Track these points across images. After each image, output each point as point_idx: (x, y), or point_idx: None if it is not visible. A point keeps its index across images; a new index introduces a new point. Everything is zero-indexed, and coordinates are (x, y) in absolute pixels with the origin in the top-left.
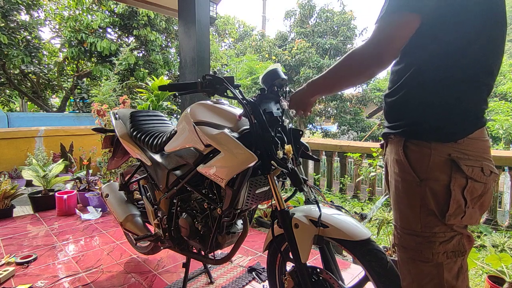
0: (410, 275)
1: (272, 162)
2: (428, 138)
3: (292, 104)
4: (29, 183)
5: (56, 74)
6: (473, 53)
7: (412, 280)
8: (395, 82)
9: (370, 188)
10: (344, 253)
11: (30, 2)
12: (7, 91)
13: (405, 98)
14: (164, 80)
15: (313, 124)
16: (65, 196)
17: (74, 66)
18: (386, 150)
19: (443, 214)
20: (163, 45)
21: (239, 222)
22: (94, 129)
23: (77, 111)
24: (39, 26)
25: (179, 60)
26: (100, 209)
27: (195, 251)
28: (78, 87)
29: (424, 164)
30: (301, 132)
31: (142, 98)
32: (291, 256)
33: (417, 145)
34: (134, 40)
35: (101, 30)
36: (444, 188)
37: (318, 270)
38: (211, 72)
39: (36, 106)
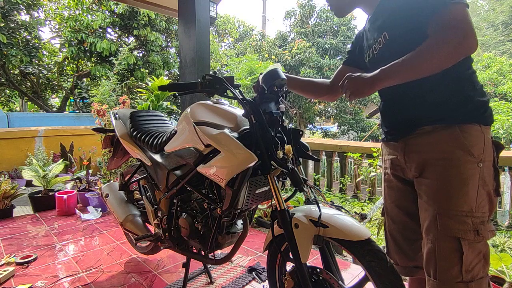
0: (459, 261)
1: (272, 162)
2: (480, 121)
3: (348, 85)
4: (29, 183)
5: (56, 74)
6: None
7: (460, 266)
8: (427, 79)
9: (370, 188)
10: (344, 253)
11: (30, 2)
12: (7, 91)
13: (451, 90)
14: (164, 80)
15: (313, 124)
16: (65, 196)
17: (74, 66)
18: (416, 139)
19: (497, 189)
20: (163, 45)
21: (239, 222)
22: (94, 129)
23: (77, 111)
24: (39, 26)
25: (179, 60)
26: (100, 209)
27: (195, 251)
28: (78, 87)
29: (481, 146)
30: (301, 132)
31: (142, 98)
32: (291, 256)
33: (473, 129)
34: (134, 40)
35: (101, 30)
36: (493, 166)
37: (318, 270)
38: (211, 72)
39: (36, 106)
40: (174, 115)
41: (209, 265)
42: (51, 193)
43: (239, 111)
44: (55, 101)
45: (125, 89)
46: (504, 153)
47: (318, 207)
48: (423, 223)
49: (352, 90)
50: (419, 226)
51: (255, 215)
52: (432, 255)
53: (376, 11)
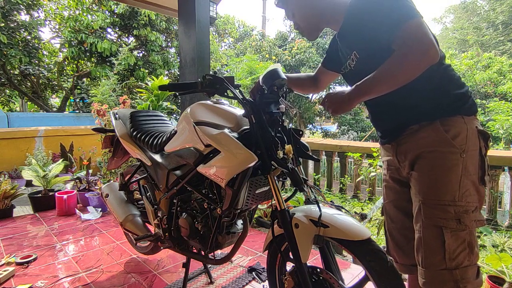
0: (442, 249)
1: (272, 162)
2: (461, 113)
3: (329, 104)
4: (29, 183)
5: (56, 74)
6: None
7: (444, 253)
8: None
9: (370, 188)
10: (344, 253)
11: (30, 2)
12: (7, 91)
13: (427, 89)
14: (164, 80)
15: (313, 124)
16: (65, 196)
17: (74, 66)
18: (405, 139)
19: (482, 178)
20: (163, 45)
21: (239, 222)
22: (94, 129)
23: (77, 111)
24: (39, 26)
25: (179, 60)
26: (100, 209)
27: (195, 251)
28: (78, 87)
29: (463, 136)
30: (301, 132)
31: (142, 98)
32: (291, 256)
33: (455, 121)
34: (134, 40)
35: (101, 30)
36: (478, 155)
37: (318, 270)
38: (211, 72)
39: (36, 106)
40: (174, 115)
41: (209, 265)
42: (51, 193)
43: (239, 111)
44: (55, 101)
45: (125, 89)
46: (504, 153)
47: (318, 207)
48: (413, 215)
49: (332, 108)
50: None
51: (255, 215)
52: (420, 243)
53: (341, 29)
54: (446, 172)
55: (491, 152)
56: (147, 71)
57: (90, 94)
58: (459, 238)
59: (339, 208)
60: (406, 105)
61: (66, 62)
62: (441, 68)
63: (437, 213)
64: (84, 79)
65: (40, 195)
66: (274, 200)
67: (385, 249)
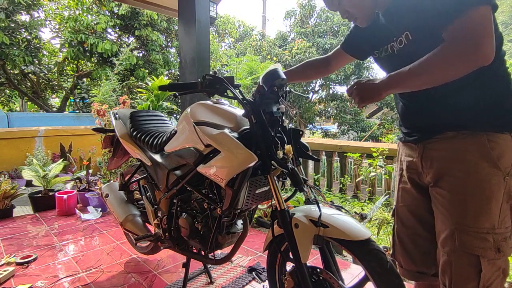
0: (477, 277)
1: (272, 162)
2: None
3: (357, 92)
4: (29, 183)
5: (56, 74)
6: (502, 55)
7: (478, 281)
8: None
9: (370, 188)
10: (344, 253)
11: (30, 2)
12: (7, 91)
13: (481, 93)
14: (164, 80)
15: (313, 124)
16: (65, 196)
17: (74, 66)
18: (436, 144)
19: None
20: (163, 45)
21: (239, 222)
22: (94, 129)
23: (77, 111)
24: (39, 27)
25: (179, 60)
26: (100, 209)
27: (195, 251)
28: (78, 87)
29: (509, 157)
30: (301, 132)
31: (142, 98)
32: (291, 256)
33: (501, 138)
34: (134, 40)
35: (101, 30)
36: None
37: (318, 270)
38: (211, 72)
39: (36, 106)
40: (174, 115)
41: (209, 265)
42: (51, 193)
43: (239, 111)
44: (55, 101)
45: (125, 89)
46: None
47: (318, 207)
48: (439, 234)
49: (360, 96)
50: (432, 235)
51: (255, 215)
52: (448, 267)
53: (392, 5)
54: (487, 199)
55: None
56: (147, 71)
57: (91, 94)
58: (495, 265)
59: (339, 208)
60: (453, 101)
61: (66, 62)
62: (502, 69)
63: (474, 242)
64: (84, 79)
65: (40, 195)
66: (274, 200)
67: (391, 252)
